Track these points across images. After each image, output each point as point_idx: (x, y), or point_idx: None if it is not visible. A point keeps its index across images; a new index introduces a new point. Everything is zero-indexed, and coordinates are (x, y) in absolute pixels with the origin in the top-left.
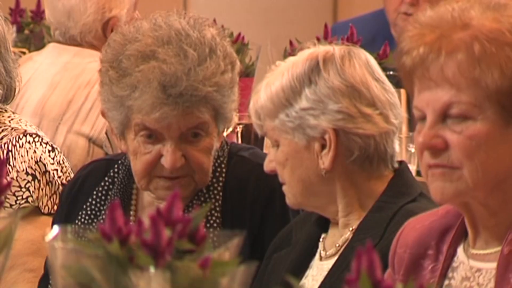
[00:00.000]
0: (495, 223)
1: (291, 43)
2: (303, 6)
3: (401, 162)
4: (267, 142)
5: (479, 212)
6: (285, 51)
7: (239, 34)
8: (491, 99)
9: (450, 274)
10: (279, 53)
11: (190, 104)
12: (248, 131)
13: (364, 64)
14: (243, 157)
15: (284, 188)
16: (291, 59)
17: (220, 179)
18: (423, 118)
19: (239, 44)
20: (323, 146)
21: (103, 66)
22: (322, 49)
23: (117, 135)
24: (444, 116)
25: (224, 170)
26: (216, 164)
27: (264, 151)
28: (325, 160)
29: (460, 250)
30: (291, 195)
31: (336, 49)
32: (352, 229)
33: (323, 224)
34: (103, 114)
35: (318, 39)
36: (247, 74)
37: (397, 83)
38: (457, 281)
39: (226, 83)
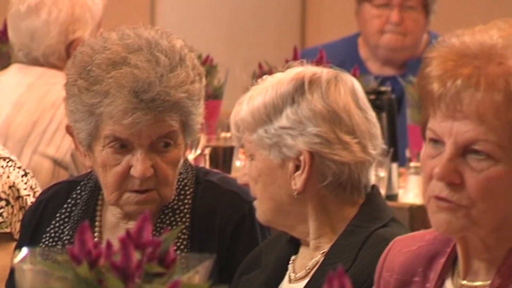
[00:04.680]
0: (489, 256)
1: (260, 65)
2: (271, 29)
3: (373, 187)
4: (235, 165)
5: (475, 245)
6: (254, 73)
7: (208, 56)
8: None
9: None
10: (248, 75)
11: (162, 109)
12: (216, 154)
13: (349, 91)
14: (212, 182)
15: (255, 203)
16: (278, 75)
17: (186, 202)
18: (436, 141)
19: (208, 66)
20: (297, 167)
21: (69, 78)
22: (310, 70)
23: (84, 150)
24: (465, 150)
25: (190, 193)
26: (181, 186)
27: (232, 174)
28: (298, 181)
29: (448, 281)
30: (261, 211)
31: (324, 72)
32: (323, 252)
33: (294, 246)
34: (68, 129)
35: (287, 61)
36: (216, 97)
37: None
38: None
39: (195, 92)
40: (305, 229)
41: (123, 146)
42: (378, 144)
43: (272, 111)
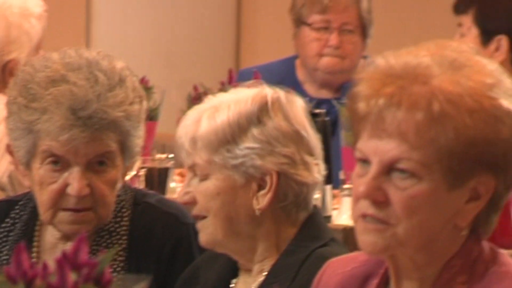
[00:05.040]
0: (420, 275)
1: (195, 87)
2: (206, 51)
3: (314, 207)
4: (169, 187)
5: (405, 264)
6: (189, 95)
7: (143, 78)
8: (441, 161)
9: None
10: (183, 97)
11: (99, 127)
12: (151, 175)
13: (303, 110)
14: (150, 204)
15: (204, 223)
16: (233, 91)
17: (123, 224)
18: (364, 161)
19: (143, 87)
20: (260, 187)
21: (10, 96)
22: (269, 90)
23: (23, 169)
24: (389, 168)
25: (127, 215)
26: (118, 208)
27: (167, 195)
28: (261, 200)
29: None
30: (211, 230)
31: (280, 92)
32: (265, 274)
33: (234, 267)
34: (9, 148)
35: (222, 84)
36: (151, 118)
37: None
38: None
39: (134, 113)
40: (251, 255)
41: (59, 163)
42: (322, 165)
43: (237, 131)
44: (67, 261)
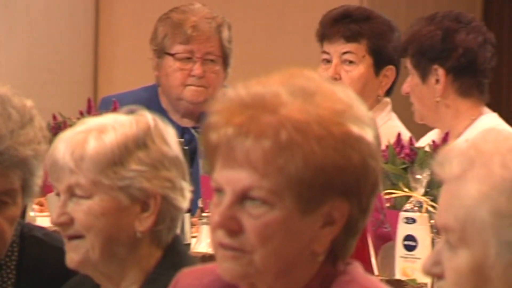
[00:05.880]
0: None
1: (54, 116)
2: (64, 81)
3: (176, 235)
4: (29, 216)
5: None
6: (49, 124)
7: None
8: (291, 188)
9: None
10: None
11: (8, 164)
12: None
13: (175, 138)
14: (38, 238)
15: (79, 243)
16: (116, 117)
17: (13, 257)
18: (220, 190)
19: None
20: (143, 209)
21: None
22: (148, 115)
23: None
24: (243, 197)
25: (16, 249)
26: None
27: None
28: (144, 223)
29: None
30: (86, 250)
31: (156, 119)
32: None
33: None
34: None
35: (81, 113)
36: None
37: None
38: None
39: (41, 152)
40: (118, 280)
41: None
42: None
43: (124, 153)
44: None
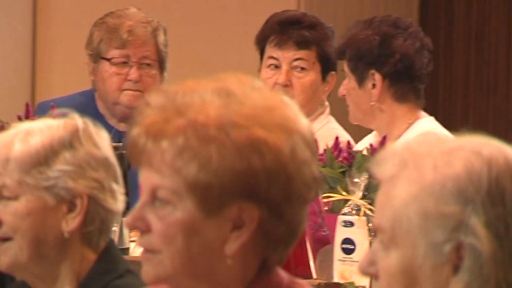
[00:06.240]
0: None
1: None
2: (1, 85)
3: (109, 239)
4: None
5: None
6: None
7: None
8: (190, 191)
9: None
10: None
11: None
12: None
13: (108, 141)
14: None
15: (8, 245)
16: (46, 121)
17: None
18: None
19: None
20: (70, 209)
21: None
22: (79, 119)
23: None
24: (154, 197)
25: None
26: None
27: None
28: (71, 223)
29: None
30: (15, 252)
31: (88, 122)
32: None
33: None
34: None
35: (19, 118)
36: None
37: None
38: None
39: None
40: (51, 282)
41: None
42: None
43: (49, 153)
44: None
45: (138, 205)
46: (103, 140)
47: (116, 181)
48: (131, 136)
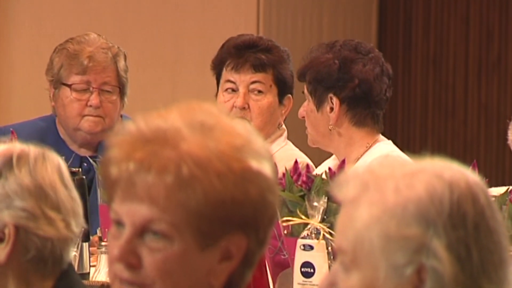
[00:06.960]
0: None
1: None
2: None
3: (68, 264)
4: None
5: None
6: None
7: None
8: (191, 223)
9: None
10: None
11: None
12: None
13: (56, 169)
14: None
15: None
16: None
17: None
18: (119, 223)
19: None
20: (1, 240)
21: None
22: (18, 146)
23: None
24: (143, 231)
25: None
26: None
27: None
28: (1, 254)
29: None
30: None
31: (32, 149)
32: None
33: None
34: None
35: None
36: None
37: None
38: None
39: None
40: None
41: None
42: (80, 223)
43: None
44: None
45: (124, 238)
46: (45, 169)
47: (55, 209)
48: (119, 169)
